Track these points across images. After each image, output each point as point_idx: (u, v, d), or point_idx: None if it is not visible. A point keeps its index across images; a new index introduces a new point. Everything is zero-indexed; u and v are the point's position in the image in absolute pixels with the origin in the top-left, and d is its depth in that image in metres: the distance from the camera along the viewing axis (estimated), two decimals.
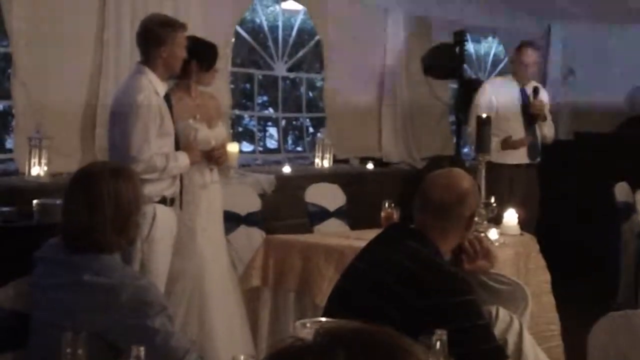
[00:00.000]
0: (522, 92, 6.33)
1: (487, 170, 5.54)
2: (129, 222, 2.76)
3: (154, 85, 4.30)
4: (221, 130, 4.90)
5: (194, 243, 4.66)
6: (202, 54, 4.75)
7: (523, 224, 5.28)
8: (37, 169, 5.28)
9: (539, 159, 6.47)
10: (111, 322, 2.62)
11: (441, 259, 2.89)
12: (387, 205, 4.79)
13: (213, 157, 4.71)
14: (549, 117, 6.42)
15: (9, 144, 5.84)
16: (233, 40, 6.96)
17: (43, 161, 5.29)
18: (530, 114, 6.27)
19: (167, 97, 4.42)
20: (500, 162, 6.08)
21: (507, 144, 6.17)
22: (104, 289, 2.64)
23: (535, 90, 6.30)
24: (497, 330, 2.92)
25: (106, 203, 2.70)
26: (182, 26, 4.44)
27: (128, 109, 4.23)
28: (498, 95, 6.28)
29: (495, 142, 6.05)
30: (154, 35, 4.34)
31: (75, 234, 2.71)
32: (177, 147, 4.47)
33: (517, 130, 6.25)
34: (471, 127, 5.93)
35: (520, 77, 6.35)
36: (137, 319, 2.62)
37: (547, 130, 6.42)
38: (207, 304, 4.64)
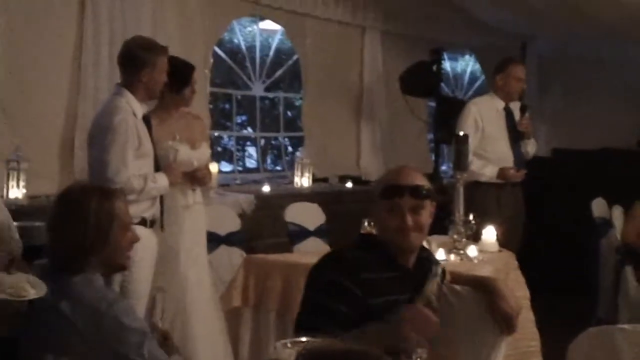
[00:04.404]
0: (507, 109, 6.22)
1: (474, 189, 5.56)
2: (111, 242, 2.75)
3: (131, 107, 4.27)
4: (204, 150, 4.86)
5: (178, 264, 4.65)
6: (175, 73, 4.60)
7: (509, 242, 5.29)
8: (16, 192, 5.25)
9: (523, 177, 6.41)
10: (91, 348, 2.60)
11: None
12: (366, 223, 4.79)
13: (196, 178, 4.69)
14: (532, 135, 6.39)
15: None
16: (212, 60, 6.96)
17: (21, 183, 5.27)
18: (517, 132, 6.19)
19: (147, 119, 4.41)
20: (487, 182, 6.03)
21: (504, 175, 6.07)
22: (84, 313, 2.62)
23: (523, 108, 6.21)
24: None
25: (90, 224, 2.70)
26: (164, 50, 4.42)
27: (104, 131, 4.21)
28: (483, 116, 6.15)
29: (489, 169, 6.04)
30: (135, 58, 4.31)
31: (60, 253, 2.71)
32: (158, 168, 4.45)
33: (503, 149, 6.15)
34: None
35: (509, 93, 6.18)
36: (117, 345, 2.60)
37: (530, 148, 6.34)
38: (189, 325, 4.62)
